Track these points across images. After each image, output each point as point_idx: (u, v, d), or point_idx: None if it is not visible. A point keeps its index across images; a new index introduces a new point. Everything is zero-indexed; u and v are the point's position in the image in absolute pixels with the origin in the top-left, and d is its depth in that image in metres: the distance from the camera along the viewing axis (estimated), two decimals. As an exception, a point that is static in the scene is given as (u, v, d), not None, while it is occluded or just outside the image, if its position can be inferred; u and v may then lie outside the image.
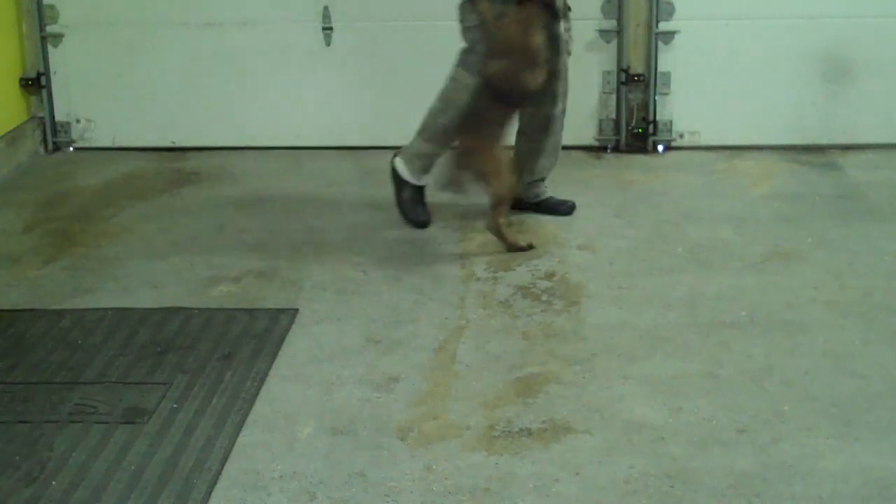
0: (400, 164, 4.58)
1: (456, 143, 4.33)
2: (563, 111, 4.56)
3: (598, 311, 3.87)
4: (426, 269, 4.22)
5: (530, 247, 4.35)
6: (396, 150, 4.62)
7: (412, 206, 4.60)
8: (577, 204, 4.82)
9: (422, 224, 4.57)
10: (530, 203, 4.72)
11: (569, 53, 4.50)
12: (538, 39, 4.17)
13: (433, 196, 4.60)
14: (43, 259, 4.40)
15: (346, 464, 3.01)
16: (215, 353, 3.61)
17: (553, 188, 5.07)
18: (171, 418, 3.23)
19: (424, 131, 4.50)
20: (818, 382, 3.37)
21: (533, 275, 4.16)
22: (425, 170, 4.55)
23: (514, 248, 4.33)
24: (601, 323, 3.78)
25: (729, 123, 5.54)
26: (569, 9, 4.45)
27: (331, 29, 5.53)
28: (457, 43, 4.34)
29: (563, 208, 4.74)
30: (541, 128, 4.51)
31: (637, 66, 5.51)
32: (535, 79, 4.18)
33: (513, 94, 4.23)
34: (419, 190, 4.60)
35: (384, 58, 5.56)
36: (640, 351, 3.58)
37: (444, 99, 4.43)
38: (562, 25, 4.35)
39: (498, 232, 4.32)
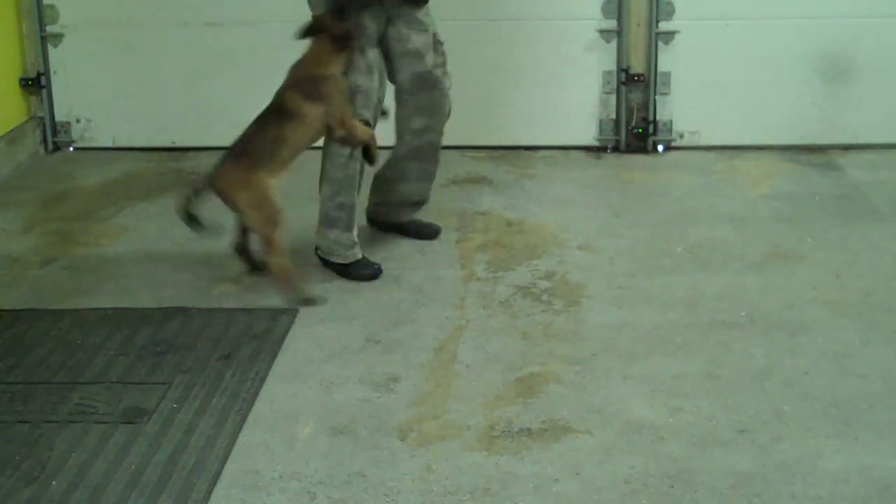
0: (330, 258, 4.19)
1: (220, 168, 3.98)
2: (433, 142, 4.32)
3: (598, 311, 3.87)
4: (426, 269, 4.22)
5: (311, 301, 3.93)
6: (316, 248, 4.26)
7: (364, 267, 4.18)
8: (575, 204, 4.83)
9: (377, 272, 4.19)
10: (391, 223, 4.50)
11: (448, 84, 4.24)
12: (331, 70, 3.97)
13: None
14: (43, 259, 4.40)
15: (346, 464, 3.00)
16: (215, 353, 3.60)
17: (553, 188, 5.08)
18: (171, 418, 3.22)
19: (326, 221, 4.16)
20: (818, 382, 3.37)
21: (533, 275, 4.15)
22: (351, 247, 4.17)
23: (299, 299, 3.92)
24: (601, 323, 3.78)
25: (729, 123, 5.54)
26: (440, 42, 4.18)
27: (331, 29, 5.52)
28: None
29: (426, 231, 4.49)
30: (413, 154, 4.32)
31: (637, 66, 5.50)
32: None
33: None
34: (360, 260, 4.20)
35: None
36: (640, 351, 3.58)
37: (331, 180, 4.12)
38: (433, 59, 4.16)
39: (284, 278, 3.93)
